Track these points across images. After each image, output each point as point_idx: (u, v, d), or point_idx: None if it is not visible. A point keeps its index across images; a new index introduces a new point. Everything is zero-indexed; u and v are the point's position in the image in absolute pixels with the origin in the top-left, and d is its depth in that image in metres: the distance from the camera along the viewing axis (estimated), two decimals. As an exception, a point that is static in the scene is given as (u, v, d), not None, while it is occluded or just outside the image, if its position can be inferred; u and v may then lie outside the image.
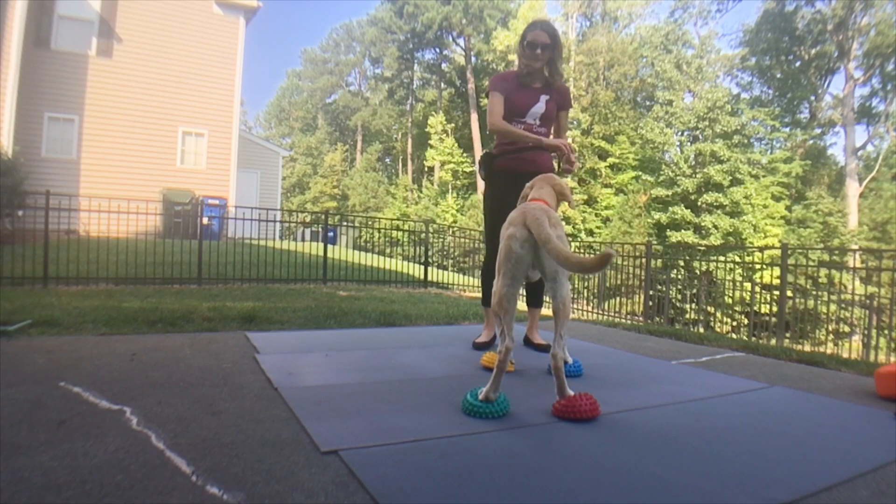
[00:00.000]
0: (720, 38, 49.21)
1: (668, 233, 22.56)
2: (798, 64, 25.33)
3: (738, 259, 13.91)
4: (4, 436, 1.33)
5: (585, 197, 26.55)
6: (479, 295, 7.55)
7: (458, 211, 29.23)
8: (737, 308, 14.92)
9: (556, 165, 2.70)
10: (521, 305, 3.20)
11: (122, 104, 12.46)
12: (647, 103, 28.03)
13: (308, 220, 18.74)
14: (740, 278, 8.56)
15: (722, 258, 13.42)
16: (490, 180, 2.82)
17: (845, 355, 4.22)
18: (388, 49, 35.27)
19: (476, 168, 2.93)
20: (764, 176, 22.98)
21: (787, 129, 25.00)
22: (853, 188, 22.23)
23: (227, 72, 13.73)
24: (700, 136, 23.51)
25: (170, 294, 4.96)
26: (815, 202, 21.86)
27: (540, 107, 2.71)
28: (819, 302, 6.57)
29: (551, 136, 2.78)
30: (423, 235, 8.31)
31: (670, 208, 22.89)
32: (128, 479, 1.12)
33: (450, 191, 31.71)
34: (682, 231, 22.36)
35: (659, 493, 1.18)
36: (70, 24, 12.14)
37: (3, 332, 2.58)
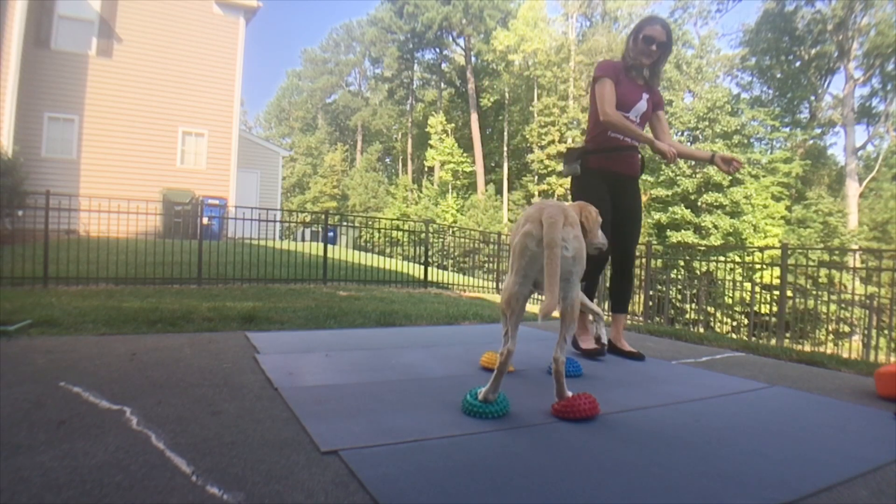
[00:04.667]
0: (720, 38, 49.34)
1: (668, 233, 22.57)
2: (798, 64, 25.33)
3: (738, 259, 13.89)
4: (4, 436, 1.33)
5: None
6: (480, 295, 7.56)
7: (458, 211, 29.23)
8: (737, 308, 14.91)
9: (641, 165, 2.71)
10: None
11: (122, 104, 12.46)
12: (647, 103, 27.99)
13: (308, 220, 18.74)
14: (740, 278, 8.55)
15: (722, 258, 13.41)
16: (581, 177, 2.66)
17: (845, 355, 4.22)
18: (388, 49, 35.29)
19: (563, 162, 2.64)
20: (764, 176, 22.98)
21: (787, 129, 25.01)
22: (853, 188, 22.24)
23: (227, 72, 13.73)
24: (700, 136, 23.50)
25: (170, 294, 4.95)
26: (815, 202, 21.87)
27: (642, 105, 2.61)
28: (819, 302, 6.56)
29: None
30: (423, 235, 8.31)
31: (670, 208, 22.90)
32: (128, 479, 1.12)
33: (450, 191, 31.71)
34: (682, 231, 22.37)
35: (659, 493, 1.18)
36: (70, 24, 12.14)
37: (3, 332, 2.58)
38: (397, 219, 18.08)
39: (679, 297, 9.66)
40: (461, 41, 33.33)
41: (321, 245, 7.51)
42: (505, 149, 31.47)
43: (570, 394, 1.72)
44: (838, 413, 1.90)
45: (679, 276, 7.29)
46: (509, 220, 28.63)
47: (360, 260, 8.29)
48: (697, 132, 23.57)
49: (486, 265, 10.82)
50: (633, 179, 2.74)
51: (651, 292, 6.69)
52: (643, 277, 6.61)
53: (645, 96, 2.61)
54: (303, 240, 14.06)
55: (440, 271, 9.15)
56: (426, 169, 36.04)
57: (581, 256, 1.73)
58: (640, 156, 2.73)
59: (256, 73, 69.98)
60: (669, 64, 25.32)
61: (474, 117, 32.05)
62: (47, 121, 11.92)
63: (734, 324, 15.42)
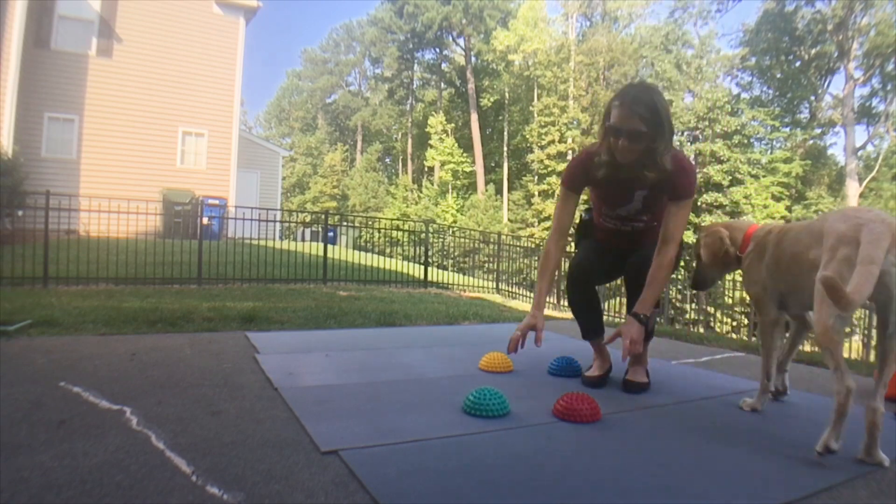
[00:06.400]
0: (720, 38, 49.30)
1: (668, 233, 22.57)
2: (798, 64, 25.33)
3: (738, 259, 13.86)
4: (4, 436, 1.33)
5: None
6: (480, 295, 7.55)
7: (458, 211, 29.22)
8: (737, 308, 14.90)
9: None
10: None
11: (122, 104, 12.45)
12: (647, 103, 28.05)
13: (308, 220, 18.74)
14: (740, 278, 8.55)
15: (722, 258, 13.37)
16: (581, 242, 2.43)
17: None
18: (388, 49, 35.29)
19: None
20: (764, 176, 22.99)
21: (787, 129, 24.99)
22: (853, 188, 22.23)
23: (227, 72, 13.73)
24: (700, 136, 23.52)
25: (170, 294, 4.95)
26: (815, 202, 21.87)
27: (635, 206, 2.05)
28: (819, 302, 6.54)
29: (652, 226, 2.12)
30: (423, 235, 8.31)
31: (670, 208, 22.91)
32: (128, 479, 1.12)
33: (450, 191, 31.71)
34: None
35: (659, 493, 1.18)
36: (70, 24, 12.14)
37: (3, 332, 2.58)
38: (397, 219, 18.09)
39: (679, 297, 9.66)
40: (461, 41, 33.33)
41: (321, 245, 7.50)
42: (505, 149, 31.48)
43: (884, 457, 1.39)
44: (838, 413, 1.89)
45: (679, 277, 7.30)
46: (509, 219, 28.63)
47: (360, 260, 8.29)
48: (697, 132, 23.59)
49: (486, 265, 10.82)
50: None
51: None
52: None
53: (639, 194, 1.99)
54: (303, 240, 14.05)
55: (440, 271, 9.15)
56: (426, 169, 36.02)
57: None
58: (655, 231, 2.03)
59: (256, 73, 69.94)
60: (669, 64, 25.36)
61: (474, 117, 32.04)
62: (47, 121, 11.91)
63: (734, 324, 15.41)
